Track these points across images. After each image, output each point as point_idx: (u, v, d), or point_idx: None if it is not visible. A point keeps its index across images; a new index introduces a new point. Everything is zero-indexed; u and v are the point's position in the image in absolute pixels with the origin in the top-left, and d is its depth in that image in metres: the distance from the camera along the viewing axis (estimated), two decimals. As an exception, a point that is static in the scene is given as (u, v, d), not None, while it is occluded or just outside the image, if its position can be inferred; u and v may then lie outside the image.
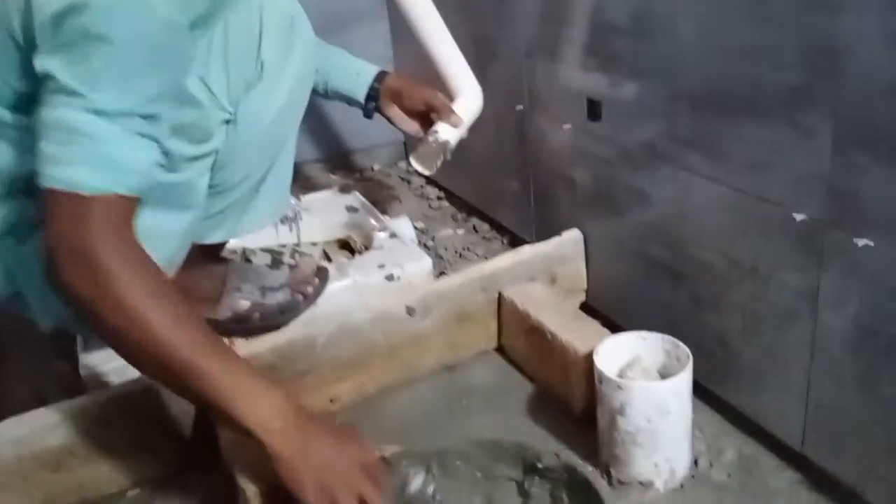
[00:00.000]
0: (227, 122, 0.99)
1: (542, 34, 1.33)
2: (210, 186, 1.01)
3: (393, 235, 1.48)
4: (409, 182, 2.04)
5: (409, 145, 2.13)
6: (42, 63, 0.81)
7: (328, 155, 2.10)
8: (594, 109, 1.22)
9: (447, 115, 1.27)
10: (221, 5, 0.93)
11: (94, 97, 0.80)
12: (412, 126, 1.30)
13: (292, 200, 1.62)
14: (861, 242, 0.84)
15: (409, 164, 1.28)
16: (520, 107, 1.45)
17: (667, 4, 1.03)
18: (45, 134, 0.81)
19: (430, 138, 1.26)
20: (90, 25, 0.78)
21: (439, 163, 1.27)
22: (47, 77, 0.81)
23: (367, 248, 1.49)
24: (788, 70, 0.87)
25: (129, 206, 0.84)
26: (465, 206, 1.81)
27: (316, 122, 2.04)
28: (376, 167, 2.14)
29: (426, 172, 1.27)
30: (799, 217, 0.90)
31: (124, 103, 0.82)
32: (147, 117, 0.84)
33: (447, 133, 1.26)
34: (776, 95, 0.90)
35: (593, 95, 1.21)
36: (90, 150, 0.81)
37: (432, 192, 1.95)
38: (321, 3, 1.75)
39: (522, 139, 1.46)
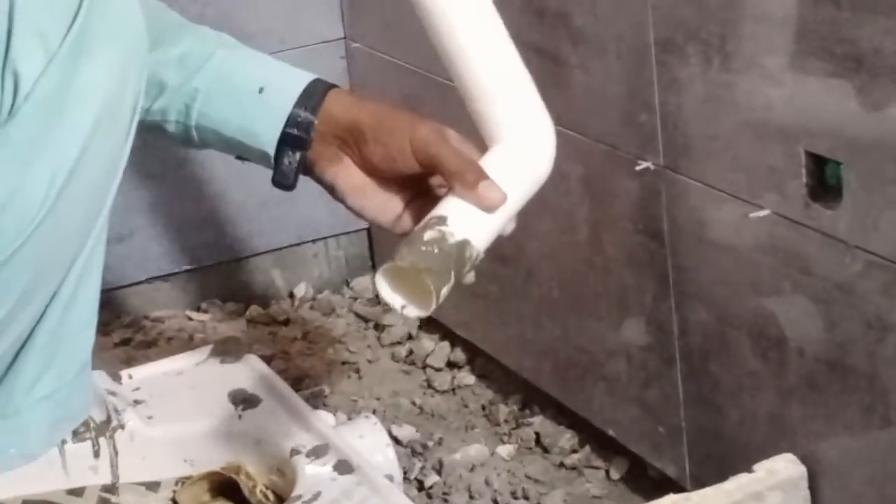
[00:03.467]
0: None
1: (696, 2, 1.14)
2: None
3: (344, 468, 1.17)
4: (380, 328, 1.69)
5: (377, 245, 1.82)
6: None
7: (197, 265, 1.77)
8: (823, 177, 1.07)
9: (468, 183, 1.02)
10: None
11: None
12: (387, 207, 1.09)
13: (103, 385, 1.30)
14: None
15: (377, 288, 1.12)
16: (646, 163, 1.25)
17: None
18: None
19: (428, 235, 1.03)
20: None
21: (446, 291, 0.99)
22: None
23: (279, 499, 1.22)
24: None
25: None
26: (517, 387, 1.52)
27: (167, 194, 1.71)
28: (302, 293, 1.78)
29: (416, 312, 0.99)
30: None
31: None
32: None
33: (466, 225, 1.03)
34: None
35: (820, 148, 1.07)
36: None
37: (439, 350, 1.62)
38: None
39: (654, 234, 1.27)
